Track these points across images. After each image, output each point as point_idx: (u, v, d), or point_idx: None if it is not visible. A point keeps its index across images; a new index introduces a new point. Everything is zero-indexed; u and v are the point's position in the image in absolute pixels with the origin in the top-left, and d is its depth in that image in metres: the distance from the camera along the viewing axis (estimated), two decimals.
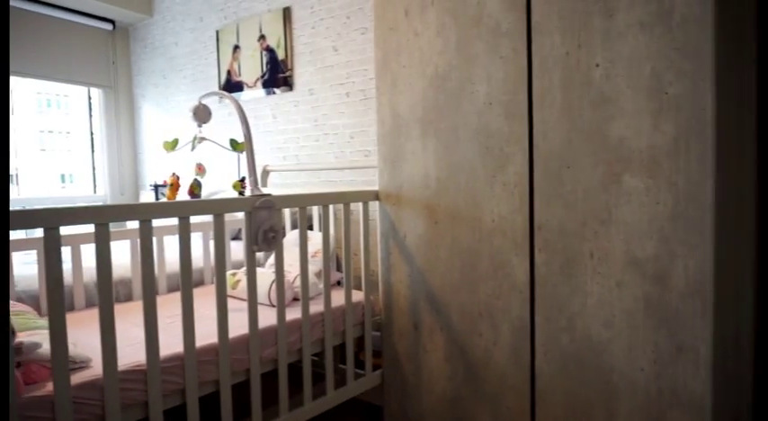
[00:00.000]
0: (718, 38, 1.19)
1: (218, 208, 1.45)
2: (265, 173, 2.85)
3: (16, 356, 1.16)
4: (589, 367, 1.43)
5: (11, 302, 1.64)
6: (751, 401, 1.42)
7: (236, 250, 2.52)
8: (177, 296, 2.00)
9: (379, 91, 1.88)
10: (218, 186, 3.14)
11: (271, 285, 1.90)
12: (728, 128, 1.25)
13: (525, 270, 1.54)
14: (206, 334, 1.50)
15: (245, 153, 2.07)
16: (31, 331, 1.37)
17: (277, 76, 3.01)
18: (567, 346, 1.47)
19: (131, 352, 1.39)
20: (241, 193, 2.15)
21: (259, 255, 2.46)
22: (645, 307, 1.32)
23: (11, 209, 0.95)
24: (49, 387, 1.17)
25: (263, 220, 1.53)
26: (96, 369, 1.28)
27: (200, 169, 1.86)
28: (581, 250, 1.42)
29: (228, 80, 3.31)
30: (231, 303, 1.77)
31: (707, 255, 1.21)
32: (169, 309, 1.84)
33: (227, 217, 2.34)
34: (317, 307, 1.82)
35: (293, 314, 1.75)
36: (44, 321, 1.50)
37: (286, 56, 2.94)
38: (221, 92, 1.84)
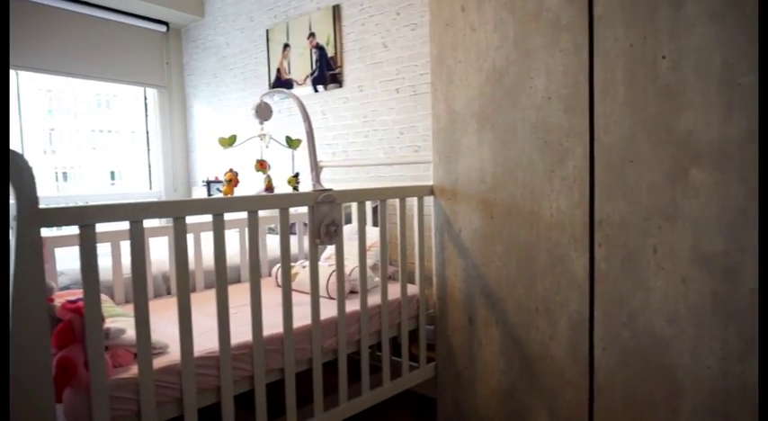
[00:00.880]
0: None
1: (285, 202, 1.51)
2: (318, 169, 2.91)
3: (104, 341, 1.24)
4: (651, 363, 1.42)
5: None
6: None
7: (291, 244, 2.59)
8: (235, 288, 2.08)
9: (434, 87, 1.89)
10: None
11: (329, 278, 1.95)
12: None
13: (584, 265, 1.54)
14: (268, 324, 1.57)
15: (298, 149, 2.13)
16: (112, 318, 1.45)
17: (326, 73, 3.06)
18: (628, 341, 1.46)
19: (203, 340, 1.47)
20: (295, 189, 2.21)
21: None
22: (712, 303, 1.30)
23: (62, 205, 1.02)
24: (133, 370, 1.25)
25: (325, 214, 1.58)
26: (173, 355, 1.36)
27: (263, 165, 1.92)
28: (644, 245, 1.41)
29: (278, 78, 3.39)
30: None
31: None
32: (232, 301, 1.92)
33: (264, 213, 2.42)
34: (372, 299, 1.87)
35: (351, 306, 1.79)
36: (121, 309, 1.59)
37: (335, 53, 2.99)
38: (284, 90, 1.89)
